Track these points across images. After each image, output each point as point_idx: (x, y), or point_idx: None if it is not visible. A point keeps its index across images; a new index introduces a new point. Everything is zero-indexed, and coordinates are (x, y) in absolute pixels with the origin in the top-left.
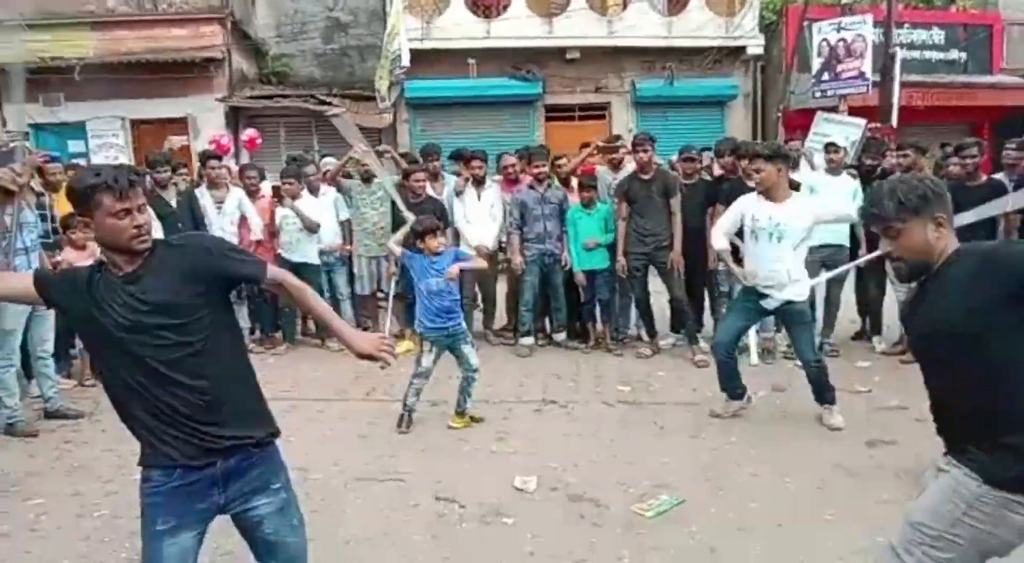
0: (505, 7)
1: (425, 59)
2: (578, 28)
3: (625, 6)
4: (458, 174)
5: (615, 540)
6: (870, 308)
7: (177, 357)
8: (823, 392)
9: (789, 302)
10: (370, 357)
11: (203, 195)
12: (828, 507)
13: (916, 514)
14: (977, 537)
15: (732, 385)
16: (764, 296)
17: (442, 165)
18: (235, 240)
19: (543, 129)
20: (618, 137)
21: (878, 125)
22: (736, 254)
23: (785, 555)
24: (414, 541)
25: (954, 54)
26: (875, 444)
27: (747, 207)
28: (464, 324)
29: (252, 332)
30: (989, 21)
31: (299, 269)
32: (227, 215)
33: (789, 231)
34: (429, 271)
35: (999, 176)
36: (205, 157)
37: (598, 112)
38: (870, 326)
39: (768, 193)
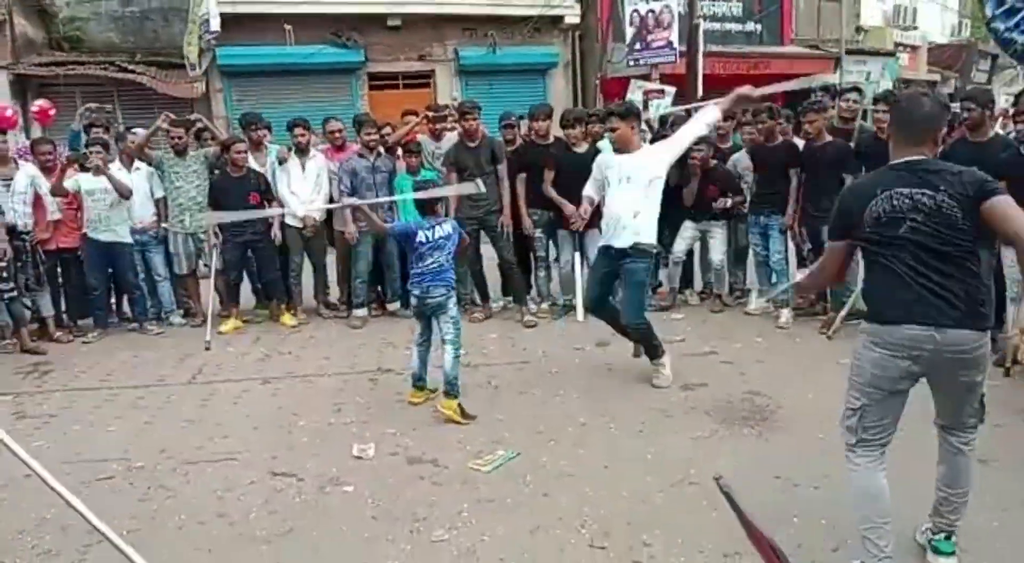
0: None
1: (238, 24)
2: None
3: None
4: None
5: (454, 496)
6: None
7: None
8: (650, 350)
9: (629, 258)
10: None
11: None
12: (649, 447)
13: None
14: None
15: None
16: (614, 255)
17: (264, 134)
18: (30, 221)
19: (367, 98)
20: (445, 106)
21: (656, 88)
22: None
23: (610, 493)
24: (251, 519)
25: (750, 26)
26: (689, 387)
27: (603, 162)
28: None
29: (59, 319)
30: None
31: (110, 250)
32: (18, 194)
33: (636, 175)
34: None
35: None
36: None
37: (423, 80)
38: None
39: (623, 148)
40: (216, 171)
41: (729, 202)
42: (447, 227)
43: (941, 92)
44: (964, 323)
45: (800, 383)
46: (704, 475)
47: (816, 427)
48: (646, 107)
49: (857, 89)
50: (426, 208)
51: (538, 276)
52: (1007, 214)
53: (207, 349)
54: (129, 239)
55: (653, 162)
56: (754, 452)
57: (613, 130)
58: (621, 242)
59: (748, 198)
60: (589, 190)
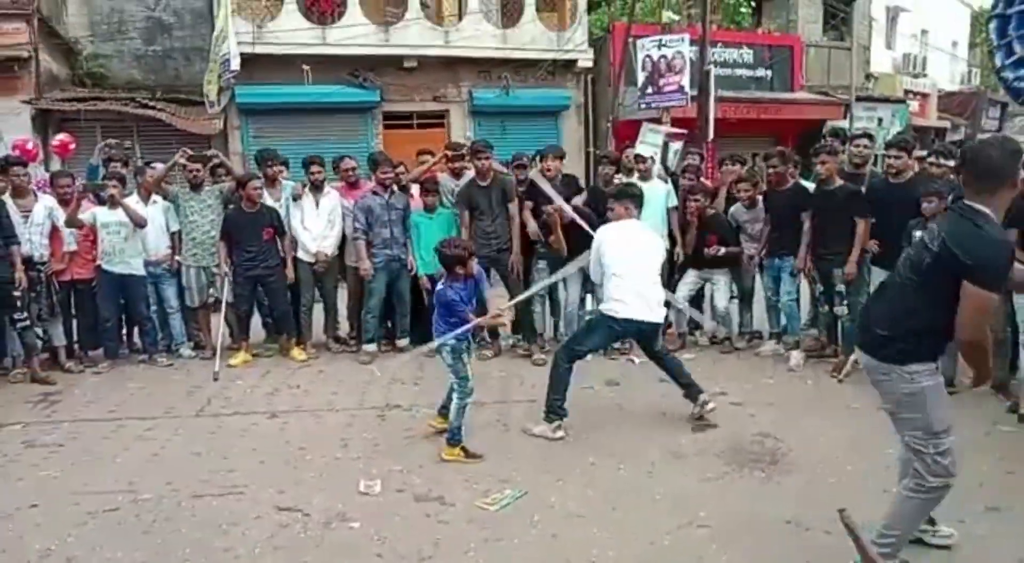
0: (340, 14)
1: (257, 64)
2: (414, 37)
3: (461, 17)
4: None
5: (461, 535)
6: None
7: None
8: (548, 394)
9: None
10: None
11: (7, 203)
12: (658, 488)
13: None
14: None
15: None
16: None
17: (280, 170)
18: (46, 252)
19: (381, 136)
20: (464, 145)
21: (677, 131)
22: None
23: (619, 534)
24: (256, 554)
25: (761, 72)
26: (699, 428)
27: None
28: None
29: (70, 350)
30: (790, 43)
31: (123, 281)
32: (36, 225)
33: None
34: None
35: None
36: (8, 163)
37: (436, 120)
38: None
39: None
40: (231, 206)
41: (722, 250)
42: (455, 290)
43: (1010, 138)
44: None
45: (810, 426)
46: (714, 517)
47: (826, 470)
48: (666, 149)
49: (868, 135)
50: (450, 268)
51: (533, 311)
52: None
53: (215, 380)
54: (142, 272)
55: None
56: (764, 495)
57: (610, 210)
58: None
59: (744, 248)
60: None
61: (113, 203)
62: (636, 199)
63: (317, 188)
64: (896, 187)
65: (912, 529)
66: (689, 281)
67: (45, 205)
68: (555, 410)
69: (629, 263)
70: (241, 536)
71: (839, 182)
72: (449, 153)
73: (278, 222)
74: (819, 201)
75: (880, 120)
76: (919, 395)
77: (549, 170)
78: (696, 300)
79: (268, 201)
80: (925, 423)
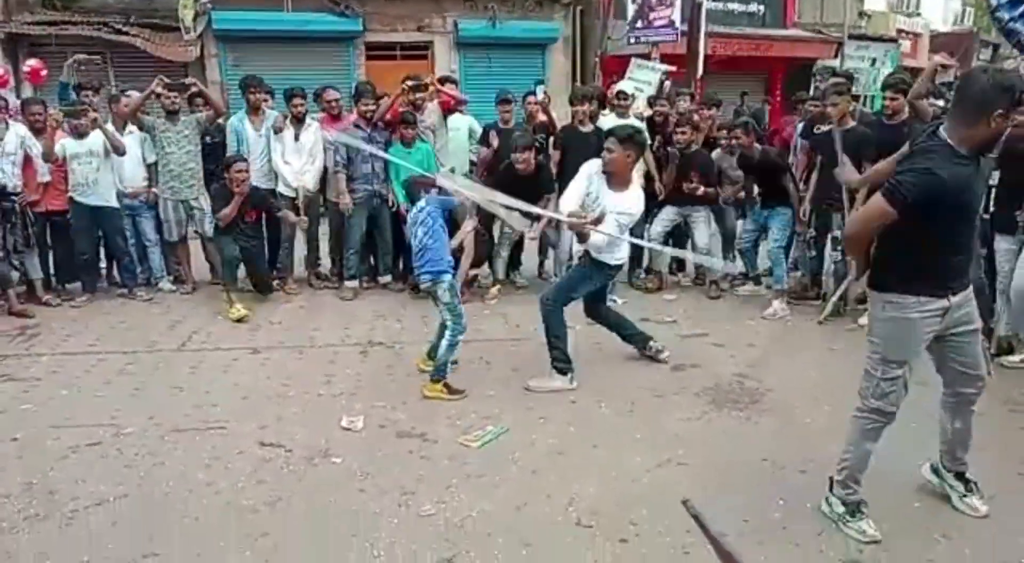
0: None
1: None
2: None
3: None
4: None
5: (443, 471)
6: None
7: None
8: (550, 343)
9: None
10: None
11: None
12: (638, 427)
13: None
14: None
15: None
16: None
17: (264, 98)
18: (19, 182)
19: (364, 67)
20: (421, 76)
21: (674, 69)
22: None
23: (599, 472)
24: (239, 488)
25: (753, 7)
26: (680, 368)
27: (593, 178)
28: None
29: (48, 283)
30: None
31: (98, 214)
32: (8, 156)
33: (618, 217)
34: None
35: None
36: None
37: (421, 51)
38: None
39: (613, 177)
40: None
41: (701, 189)
42: (422, 202)
43: (1008, 72)
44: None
45: (790, 367)
46: (692, 456)
47: (804, 411)
48: (662, 86)
49: (849, 76)
50: (412, 190)
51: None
52: None
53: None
54: (116, 203)
55: (636, 207)
56: (742, 434)
57: (608, 151)
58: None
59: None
60: (573, 203)
61: (80, 133)
62: (641, 147)
63: (299, 121)
64: (890, 128)
65: (860, 457)
66: (665, 218)
67: (17, 133)
68: (562, 359)
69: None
70: (224, 470)
71: (851, 123)
72: (407, 85)
73: (263, 202)
74: (826, 143)
75: (874, 60)
76: (885, 323)
77: (522, 162)
78: (680, 240)
79: (250, 131)
80: (882, 349)
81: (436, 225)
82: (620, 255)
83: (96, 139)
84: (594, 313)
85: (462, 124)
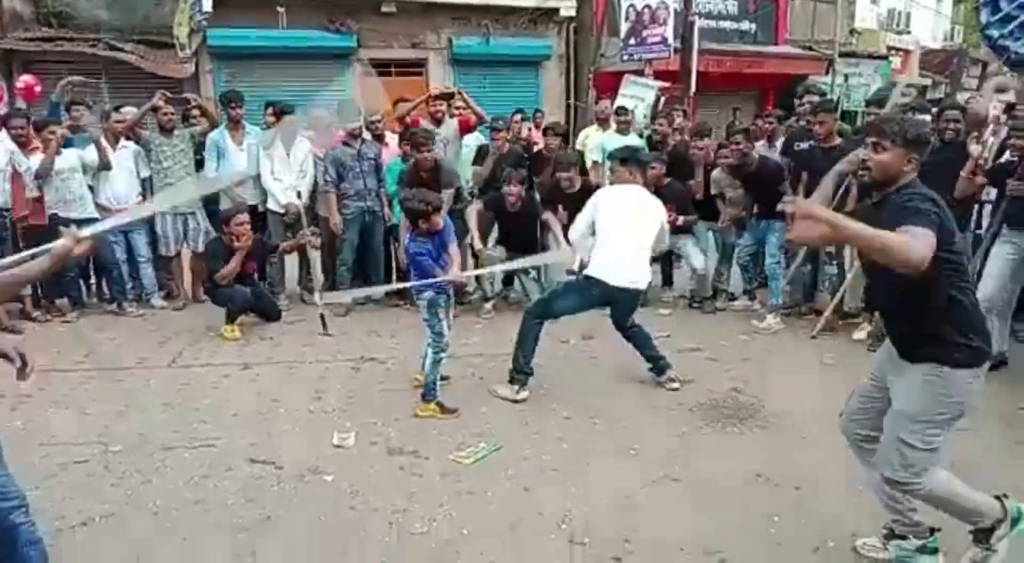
0: None
1: (230, 5)
2: None
3: None
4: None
5: (434, 488)
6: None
7: None
8: (516, 353)
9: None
10: None
11: None
12: (632, 443)
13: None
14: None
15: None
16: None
17: (243, 114)
18: (8, 198)
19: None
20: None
21: (669, 85)
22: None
23: (593, 489)
24: (228, 505)
25: (746, 24)
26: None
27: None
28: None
29: (36, 300)
30: None
31: (84, 226)
32: None
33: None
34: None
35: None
36: None
37: (416, 68)
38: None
39: None
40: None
41: (680, 220)
42: (408, 240)
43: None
44: None
45: (784, 382)
46: (687, 472)
47: (799, 427)
48: (658, 103)
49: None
50: (416, 223)
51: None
52: None
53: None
54: (97, 216)
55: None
56: (737, 450)
57: (612, 170)
58: None
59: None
60: (580, 231)
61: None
62: (642, 165)
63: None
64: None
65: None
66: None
67: (6, 149)
68: (521, 370)
69: (622, 228)
70: (213, 488)
71: (838, 140)
72: (433, 94)
73: (260, 256)
74: (814, 160)
75: (847, 76)
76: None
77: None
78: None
79: (231, 145)
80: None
81: (423, 263)
82: (631, 277)
83: (72, 155)
84: (621, 327)
85: (472, 141)
